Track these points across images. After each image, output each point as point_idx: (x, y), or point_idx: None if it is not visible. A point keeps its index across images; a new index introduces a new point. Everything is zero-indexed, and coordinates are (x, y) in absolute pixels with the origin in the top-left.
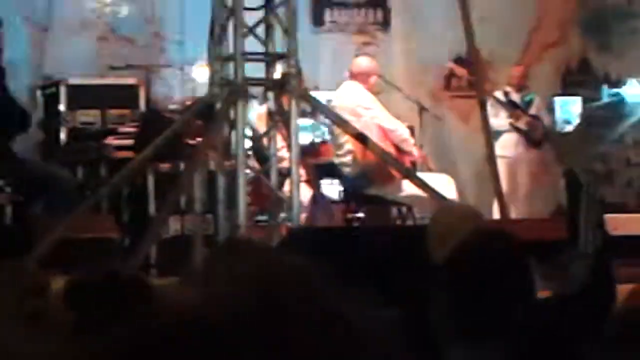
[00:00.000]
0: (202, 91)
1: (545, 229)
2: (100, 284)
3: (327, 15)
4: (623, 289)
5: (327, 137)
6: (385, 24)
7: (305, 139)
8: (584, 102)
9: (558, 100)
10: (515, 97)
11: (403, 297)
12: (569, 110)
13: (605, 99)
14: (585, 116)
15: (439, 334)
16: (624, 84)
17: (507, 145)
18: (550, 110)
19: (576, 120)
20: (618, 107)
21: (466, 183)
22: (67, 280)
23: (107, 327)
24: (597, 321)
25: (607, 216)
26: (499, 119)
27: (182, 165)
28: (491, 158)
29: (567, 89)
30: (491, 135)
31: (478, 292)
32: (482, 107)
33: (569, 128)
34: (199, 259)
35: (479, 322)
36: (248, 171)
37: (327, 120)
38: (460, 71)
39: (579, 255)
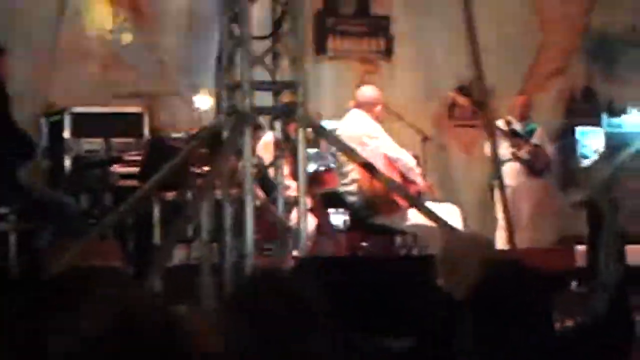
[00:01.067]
0: (206, 119)
1: (554, 259)
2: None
3: (330, 43)
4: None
5: (331, 165)
6: (388, 53)
7: (309, 167)
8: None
9: (578, 131)
10: (518, 126)
11: (413, 327)
12: (586, 144)
13: (607, 128)
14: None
15: None
16: (625, 113)
17: (509, 175)
18: (556, 139)
19: (595, 154)
20: None
21: (469, 212)
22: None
23: None
24: (616, 354)
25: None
26: (501, 148)
27: (188, 194)
28: (500, 186)
29: (571, 118)
30: (499, 164)
31: (500, 324)
32: (491, 135)
33: (585, 162)
34: (206, 288)
35: (501, 353)
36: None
37: (331, 149)
38: (463, 100)
39: (599, 287)
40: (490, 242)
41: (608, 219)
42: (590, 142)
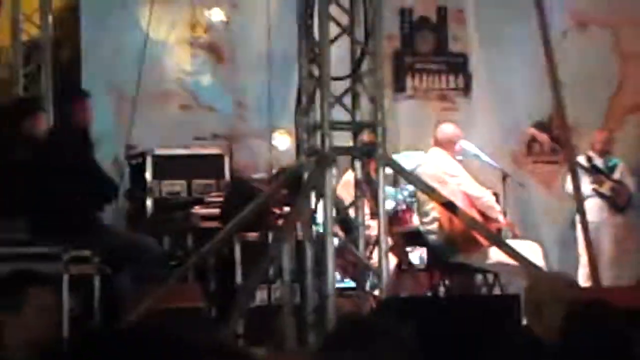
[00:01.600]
0: (284, 159)
1: (637, 296)
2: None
3: (409, 81)
4: None
5: (409, 204)
6: (466, 90)
7: (388, 206)
8: None
9: None
10: (599, 162)
11: None
12: None
13: None
14: None
15: None
16: None
17: (591, 211)
18: (637, 175)
19: None
20: None
21: (549, 249)
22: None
23: None
24: None
25: None
26: (582, 185)
27: (269, 235)
28: (583, 223)
29: None
30: (582, 201)
31: None
32: (574, 172)
33: None
34: (287, 329)
35: None
36: (335, 240)
37: (409, 187)
38: (542, 137)
39: None
40: (575, 282)
41: None
42: None
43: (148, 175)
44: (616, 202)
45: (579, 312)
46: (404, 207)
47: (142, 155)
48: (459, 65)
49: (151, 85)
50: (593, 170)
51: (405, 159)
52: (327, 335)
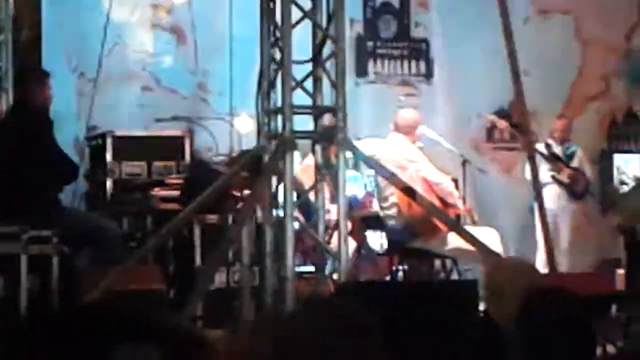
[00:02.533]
0: (245, 142)
1: (594, 283)
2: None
3: (371, 67)
4: None
5: (370, 189)
6: (427, 76)
7: (348, 190)
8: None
9: (615, 158)
10: (558, 149)
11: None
12: (625, 171)
13: None
14: None
15: None
16: None
17: (549, 198)
18: (595, 163)
19: (632, 181)
20: None
21: (508, 235)
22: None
23: None
24: None
25: None
26: (541, 172)
27: (229, 217)
28: (541, 210)
29: (613, 142)
30: (540, 188)
31: (545, 351)
32: (532, 159)
33: (624, 189)
34: (245, 312)
35: None
36: (295, 224)
37: (370, 172)
38: (502, 123)
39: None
40: (534, 268)
41: None
42: (629, 169)
43: (108, 157)
44: (574, 189)
45: (536, 298)
46: (364, 191)
47: (103, 136)
48: (421, 51)
49: (113, 66)
50: (552, 157)
51: (366, 145)
52: (285, 316)
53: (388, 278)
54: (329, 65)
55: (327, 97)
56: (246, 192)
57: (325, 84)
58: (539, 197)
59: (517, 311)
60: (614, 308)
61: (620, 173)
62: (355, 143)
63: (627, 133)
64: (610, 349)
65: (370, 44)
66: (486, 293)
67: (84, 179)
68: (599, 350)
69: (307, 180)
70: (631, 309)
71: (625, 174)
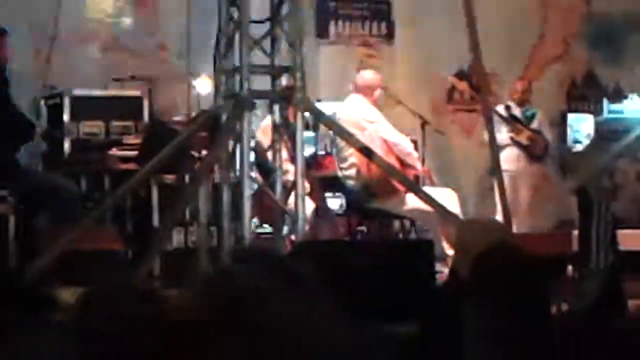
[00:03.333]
0: (205, 103)
1: (552, 244)
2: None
3: (332, 28)
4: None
5: (329, 149)
6: (388, 37)
7: (307, 151)
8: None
9: (569, 118)
10: (517, 111)
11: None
12: (578, 129)
13: (608, 114)
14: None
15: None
16: (626, 99)
17: (508, 160)
18: (554, 125)
19: (585, 139)
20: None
21: (468, 197)
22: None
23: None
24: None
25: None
26: (500, 134)
27: (186, 178)
28: (497, 171)
29: (572, 104)
30: (497, 150)
31: (498, 309)
32: (489, 120)
33: (578, 147)
34: (204, 271)
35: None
36: (253, 184)
37: (330, 133)
38: (462, 85)
39: (591, 272)
40: (504, 228)
41: (597, 205)
42: (583, 127)
43: (66, 116)
44: (533, 151)
45: (488, 255)
46: (323, 152)
47: (60, 95)
48: (382, 12)
49: (71, 26)
50: (511, 119)
51: (325, 106)
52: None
53: (347, 239)
54: (286, 24)
55: (286, 57)
56: (204, 152)
57: (283, 44)
58: (495, 159)
59: (471, 268)
60: (570, 268)
61: (573, 131)
62: (316, 104)
63: (586, 95)
64: (566, 307)
65: (331, 4)
66: (455, 252)
67: (41, 139)
68: (553, 309)
69: (266, 140)
70: (582, 268)
71: (579, 132)
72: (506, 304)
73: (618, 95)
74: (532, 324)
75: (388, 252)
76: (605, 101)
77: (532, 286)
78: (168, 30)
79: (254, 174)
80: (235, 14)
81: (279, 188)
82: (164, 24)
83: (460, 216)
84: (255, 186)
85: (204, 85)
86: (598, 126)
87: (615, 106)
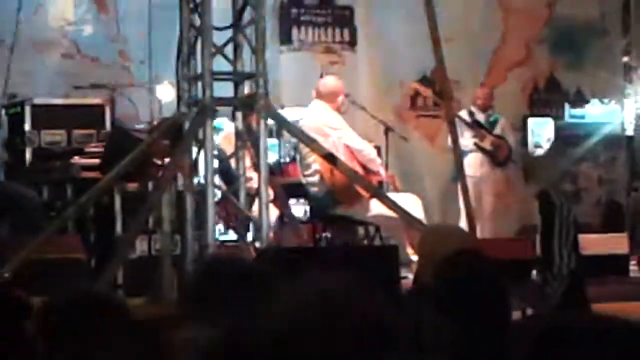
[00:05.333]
0: (167, 110)
1: (514, 249)
2: (76, 305)
3: (295, 34)
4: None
5: (293, 156)
6: (351, 44)
7: (271, 158)
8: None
9: (530, 122)
10: (480, 117)
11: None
12: (539, 134)
13: (569, 119)
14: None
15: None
16: (587, 103)
17: (472, 165)
18: (517, 130)
19: (546, 143)
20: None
21: (432, 203)
22: (41, 302)
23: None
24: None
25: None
26: (464, 139)
27: (150, 185)
28: (462, 177)
29: (534, 108)
30: (461, 155)
31: (458, 314)
32: (452, 125)
33: (539, 152)
34: (167, 279)
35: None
36: (217, 191)
37: (292, 140)
38: (425, 91)
39: (553, 276)
40: (467, 234)
41: (559, 209)
42: (544, 131)
43: (27, 125)
44: (497, 156)
45: (450, 260)
46: (287, 159)
47: (21, 104)
48: (345, 18)
49: (32, 33)
50: (475, 125)
51: (288, 113)
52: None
53: (311, 245)
54: (249, 31)
55: (248, 64)
56: (167, 160)
57: (246, 51)
58: (459, 164)
59: (433, 273)
60: (534, 273)
61: (534, 136)
62: (279, 111)
63: (548, 99)
64: (530, 312)
65: (294, 11)
66: (419, 258)
67: (2, 148)
68: (518, 314)
69: (228, 148)
70: (545, 272)
71: (539, 137)
72: (469, 310)
73: (580, 100)
74: (493, 331)
75: (353, 258)
76: (566, 106)
77: (495, 292)
78: (129, 37)
79: (217, 182)
80: (197, 21)
81: (242, 195)
82: (125, 31)
83: (425, 222)
84: (219, 193)
85: (166, 92)
86: (559, 131)
87: (577, 111)
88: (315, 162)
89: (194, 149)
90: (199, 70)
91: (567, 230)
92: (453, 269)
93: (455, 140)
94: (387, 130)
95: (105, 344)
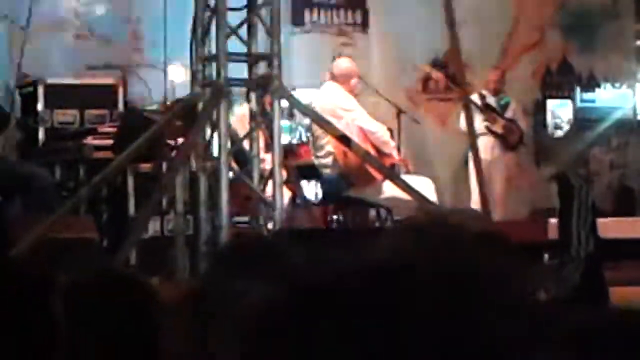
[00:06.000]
0: (180, 91)
1: (526, 232)
2: (95, 283)
3: (307, 16)
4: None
5: (305, 138)
6: (363, 25)
7: (283, 140)
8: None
9: (549, 104)
10: (492, 100)
11: None
12: (559, 115)
13: (580, 103)
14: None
15: None
16: (599, 87)
17: (483, 149)
18: (531, 113)
19: (566, 125)
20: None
21: (443, 185)
22: (67, 279)
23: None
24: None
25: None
26: (475, 123)
27: (163, 166)
28: (476, 160)
29: (547, 92)
30: (475, 137)
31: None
32: (467, 108)
33: (559, 133)
34: (180, 260)
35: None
36: (230, 173)
37: (305, 121)
38: (437, 74)
39: (571, 259)
40: (485, 217)
41: (578, 191)
42: (563, 113)
43: (40, 105)
44: (508, 140)
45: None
46: (299, 141)
47: (34, 84)
48: (357, 1)
49: (45, 13)
50: (486, 108)
51: (300, 94)
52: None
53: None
54: (264, 12)
55: (263, 45)
56: (180, 140)
57: (260, 32)
58: (474, 146)
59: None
60: (546, 256)
61: (554, 117)
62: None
63: (561, 82)
64: (543, 295)
65: None
66: None
67: (15, 128)
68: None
69: (242, 129)
70: (563, 255)
71: (559, 118)
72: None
73: (592, 84)
74: (509, 313)
75: (367, 240)
76: (578, 90)
77: (510, 273)
78: (143, 17)
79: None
80: (212, 2)
81: (256, 176)
82: (139, 10)
83: (437, 204)
84: (232, 174)
85: (178, 73)
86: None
87: (588, 95)
88: (328, 144)
89: (207, 130)
90: (213, 51)
91: (585, 212)
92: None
93: (470, 124)
94: (399, 112)
95: (136, 324)
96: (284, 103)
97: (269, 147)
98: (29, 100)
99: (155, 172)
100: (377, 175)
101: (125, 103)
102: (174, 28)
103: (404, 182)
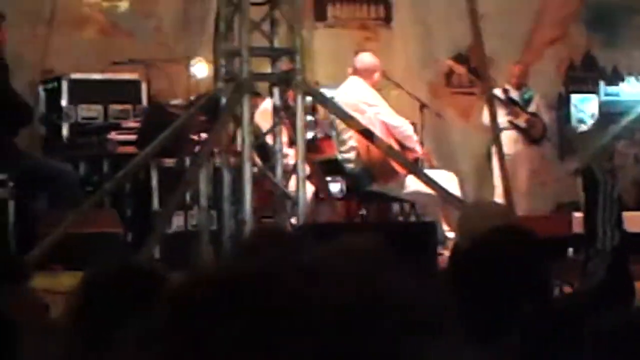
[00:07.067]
0: (202, 86)
1: (551, 226)
2: (117, 278)
3: (330, 10)
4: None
5: (327, 133)
6: (387, 20)
7: (307, 135)
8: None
9: (573, 99)
10: (515, 94)
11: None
12: (583, 109)
13: (604, 97)
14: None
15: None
16: (623, 81)
17: (506, 143)
18: (554, 107)
19: (590, 119)
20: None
21: (466, 179)
22: (83, 275)
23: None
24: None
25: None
26: (498, 117)
27: (187, 161)
28: (500, 154)
29: (570, 86)
30: (498, 131)
31: (492, 289)
32: (489, 102)
33: (583, 127)
34: (204, 255)
35: (492, 320)
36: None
37: (328, 116)
38: (460, 68)
39: (596, 253)
40: (509, 211)
41: (603, 185)
42: (587, 107)
43: (64, 100)
44: (531, 134)
45: (492, 237)
46: (322, 135)
47: (58, 79)
48: None
49: (68, 9)
50: (509, 102)
51: (323, 89)
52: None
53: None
54: (286, 7)
55: (285, 40)
56: (203, 135)
57: (283, 27)
58: (497, 140)
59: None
60: (570, 251)
61: (578, 111)
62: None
63: (585, 76)
64: (568, 289)
65: None
66: (458, 234)
67: (39, 123)
68: (557, 292)
69: (265, 124)
70: (588, 249)
71: (583, 112)
72: (501, 285)
73: (615, 78)
74: (533, 306)
75: (393, 235)
76: (602, 83)
77: (533, 267)
78: (165, 12)
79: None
80: None
81: (279, 171)
82: (162, 6)
83: (461, 198)
84: (255, 169)
85: (201, 68)
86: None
87: (612, 89)
88: (352, 139)
89: (231, 125)
90: (236, 46)
91: (611, 206)
92: (497, 244)
93: (493, 119)
94: (422, 107)
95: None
96: (307, 98)
97: (292, 142)
98: (53, 95)
99: (179, 167)
100: (400, 170)
101: (149, 98)
102: (195, 22)
103: (427, 176)
